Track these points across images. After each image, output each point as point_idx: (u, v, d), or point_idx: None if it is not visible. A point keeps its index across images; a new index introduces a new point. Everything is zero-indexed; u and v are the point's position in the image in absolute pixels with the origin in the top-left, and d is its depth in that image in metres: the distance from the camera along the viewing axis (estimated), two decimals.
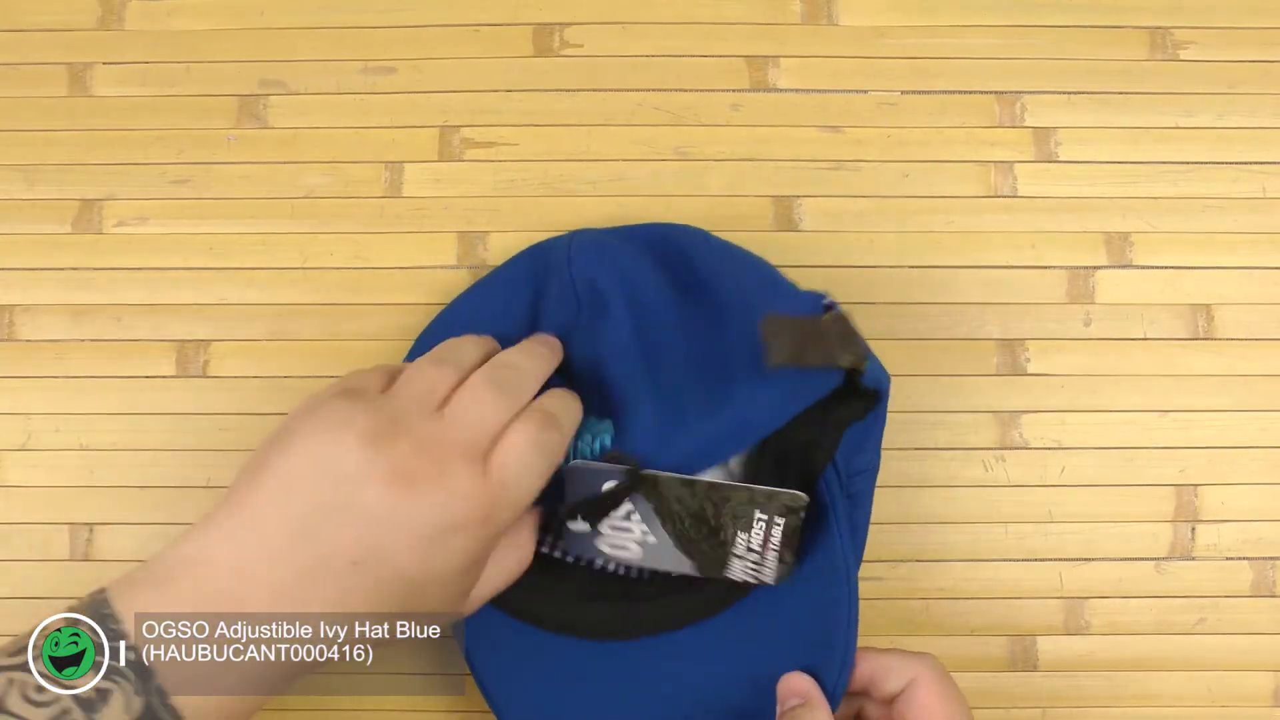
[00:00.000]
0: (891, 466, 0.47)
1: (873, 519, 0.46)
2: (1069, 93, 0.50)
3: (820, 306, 0.40)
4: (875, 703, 0.39)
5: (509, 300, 0.44)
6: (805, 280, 0.48)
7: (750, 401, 0.39)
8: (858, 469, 0.42)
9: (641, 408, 0.40)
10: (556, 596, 0.42)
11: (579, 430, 0.39)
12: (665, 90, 0.50)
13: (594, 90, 0.50)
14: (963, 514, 0.47)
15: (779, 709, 0.38)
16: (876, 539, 0.46)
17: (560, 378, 0.41)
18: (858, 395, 0.40)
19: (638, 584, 0.44)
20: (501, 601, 0.42)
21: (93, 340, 0.48)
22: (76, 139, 0.49)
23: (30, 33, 0.50)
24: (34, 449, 0.47)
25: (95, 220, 0.49)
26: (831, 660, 0.39)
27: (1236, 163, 0.49)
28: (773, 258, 0.48)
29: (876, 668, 0.38)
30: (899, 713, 0.37)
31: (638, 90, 0.50)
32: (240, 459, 0.46)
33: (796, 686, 0.38)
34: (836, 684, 0.38)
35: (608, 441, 0.39)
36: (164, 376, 0.48)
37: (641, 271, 0.43)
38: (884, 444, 0.47)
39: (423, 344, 0.44)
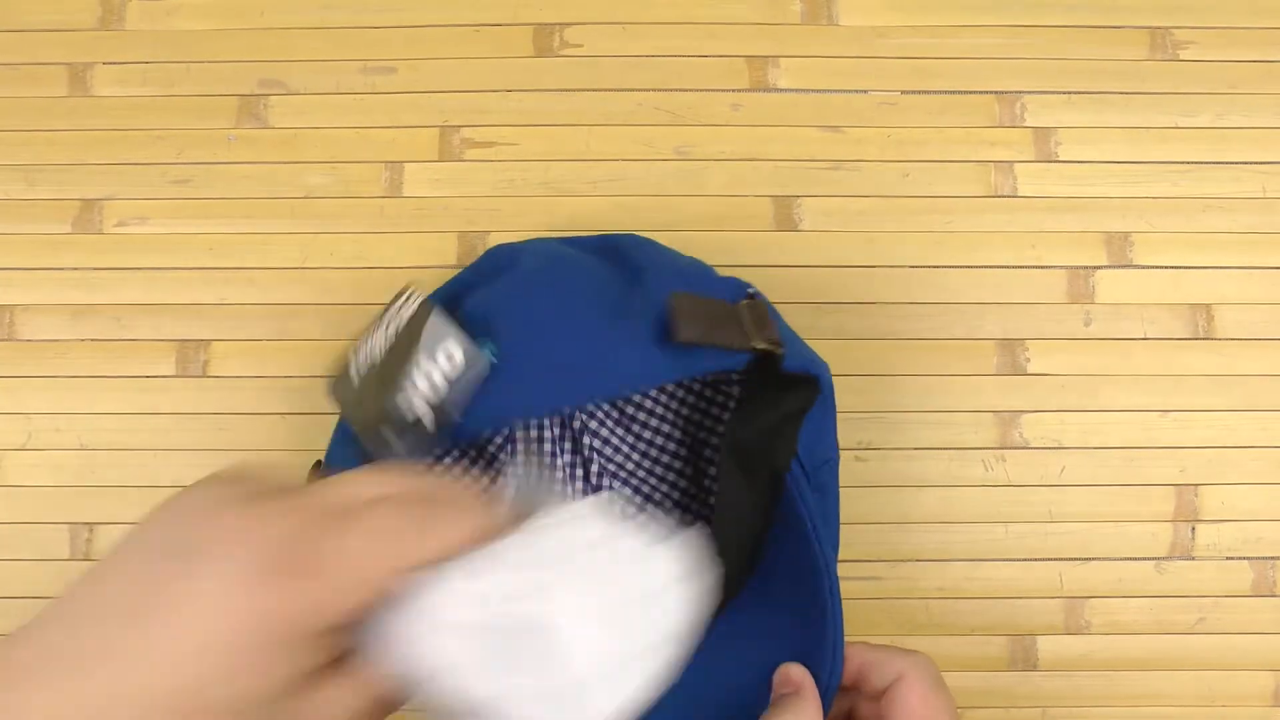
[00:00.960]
0: (891, 466, 0.47)
1: (873, 519, 0.47)
2: (1069, 93, 0.50)
3: (743, 293, 0.40)
4: (865, 699, 0.39)
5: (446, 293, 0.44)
6: (805, 280, 0.48)
7: (630, 353, 0.37)
8: (821, 460, 0.41)
9: (532, 325, 0.38)
10: None
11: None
12: (665, 90, 0.50)
13: (594, 90, 0.50)
14: (963, 514, 0.47)
15: (773, 695, 0.38)
16: (877, 539, 0.46)
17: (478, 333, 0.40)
18: (786, 383, 0.40)
19: None
20: None
21: (93, 340, 0.48)
22: (77, 139, 0.49)
23: (30, 33, 0.50)
24: (34, 449, 0.47)
25: (95, 220, 0.49)
26: (821, 657, 0.39)
27: (1236, 163, 0.49)
28: (773, 257, 0.48)
29: (866, 662, 0.38)
30: (884, 709, 0.37)
31: (638, 90, 0.50)
32: (240, 459, 0.47)
33: (791, 676, 0.38)
34: (830, 680, 0.38)
35: (491, 358, 0.38)
36: (164, 376, 0.48)
37: (560, 248, 0.43)
38: (885, 444, 0.47)
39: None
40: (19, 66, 0.50)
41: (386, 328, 0.40)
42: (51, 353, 0.48)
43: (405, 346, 0.39)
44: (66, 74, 0.50)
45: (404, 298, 0.40)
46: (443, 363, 0.38)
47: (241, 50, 0.50)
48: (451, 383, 0.38)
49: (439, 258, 0.48)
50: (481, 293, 0.41)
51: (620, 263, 0.42)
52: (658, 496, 0.46)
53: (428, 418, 0.38)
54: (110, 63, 0.50)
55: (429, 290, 0.47)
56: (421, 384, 0.38)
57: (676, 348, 0.37)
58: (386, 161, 0.49)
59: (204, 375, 0.48)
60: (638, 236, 0.46)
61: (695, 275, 0.42)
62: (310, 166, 0.49)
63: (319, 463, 0.44)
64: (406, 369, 0.39)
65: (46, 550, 0.47)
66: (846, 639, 0.39)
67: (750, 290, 0.41)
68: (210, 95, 0.50)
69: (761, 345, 0.38)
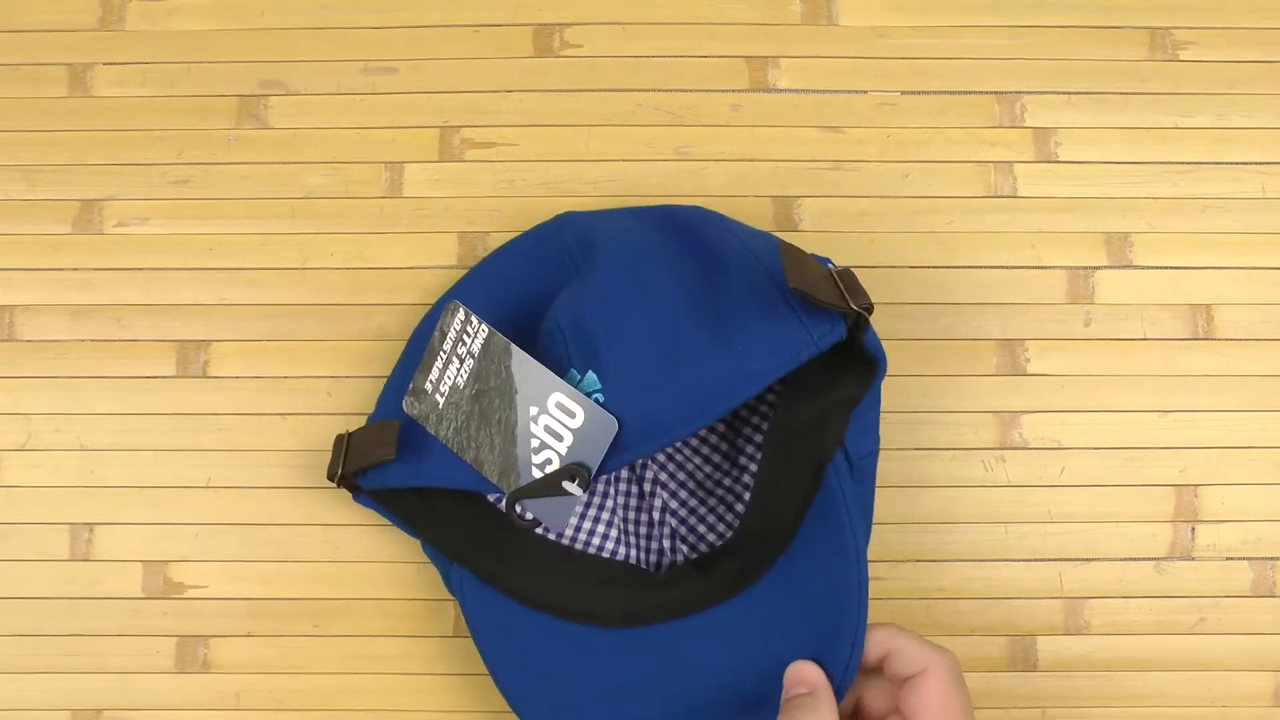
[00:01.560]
0: (891, 466, 0.47)
1: (874, 519, 0.47)
2: (1069, 93, 0.50)
3: (826, 264, 0.41)
4: (883, 684, 0.39)
5: (517, 275, 0.45)
6: None
7: (752, 345, 0.38)
8: (864, 451, 0.42)
9: (630, 356, 0.39)
10: (570, 585, 0.42)
11: (579, 385, 0.39)
12: (665, 90, 0.50)
13: (594, 90, 0.50)
14: (963, 514, 0.47)
15: (784, 695, 0.38)
16: (877, 539, 0.46)
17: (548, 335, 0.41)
18: (858, 359, 0.41)
19: (649, 572, 0.44)
20: (514, 591, 0.42)
21: (93, 340, 0.48)
22: (77, 139, 0.49)
23: (30, 33, 0.50)
24: (34, 449, 0.47)
25: (95, 220, 0.49)
26: (841, 645, 0.39)
27: (1236, 163, 0.49)
28: None
29: (895, 646, 0.38)
30: (903, 698, 0.37)
31: (638, 90, 0.50)
32: (240, 459, 0.47)
33: (804, 674, 0.38)
34: (846, 669, 0.38)
35: (598, 397, 0.39)
36: (164, 376, 0.48)
37: (633, 230, 0.44)
38: (885, 445, 0.47)
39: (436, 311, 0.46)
40: (19, 66, 0.50)
41: (460, 356, 0.41)
42: (51, 353, 0.48)
43: (498, 389, 0.40)
44: (66, 74, 0.50)
45: (461, 321, 0.40)
46: (559, 414, 0.39)
47: (241, 50, 0.50)
48: (579, 435, 0.39)
49: (439, 258, 0.48)
50: (569, 305, 0.41)
51: (697, 249, 0.43)
52: (690, 467, 0.46)
53: (569, 475, 0.39)
54: (110, 63, 0.50)
55: (478, 258, 0.47)
56: (546, 437, 0.40)
57: (782, 323, 0.39)
58: (386, 162, 0.49)
59: (204, 375, 0.48)
60: (705, 212, 0.46)
61: (772, 243, 0.43)
62: (310, 167, 0.49)
63: (341, 435, 0.44)
64: (513, 418, 0.40)
65: (46, 550, 0.47)
66: (875, 620, 0.39)
67: (829, 264, 0.42)
68: (210, 95, 0.50)
69: (857, 308, 0.38)
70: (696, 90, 0.50)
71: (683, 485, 0.46)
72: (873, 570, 0.47)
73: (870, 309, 0.39)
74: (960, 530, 0.47)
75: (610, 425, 0.38)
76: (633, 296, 0.41)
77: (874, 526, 0.46)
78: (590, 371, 0.39)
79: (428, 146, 0.49)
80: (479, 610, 0.42)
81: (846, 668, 0.38)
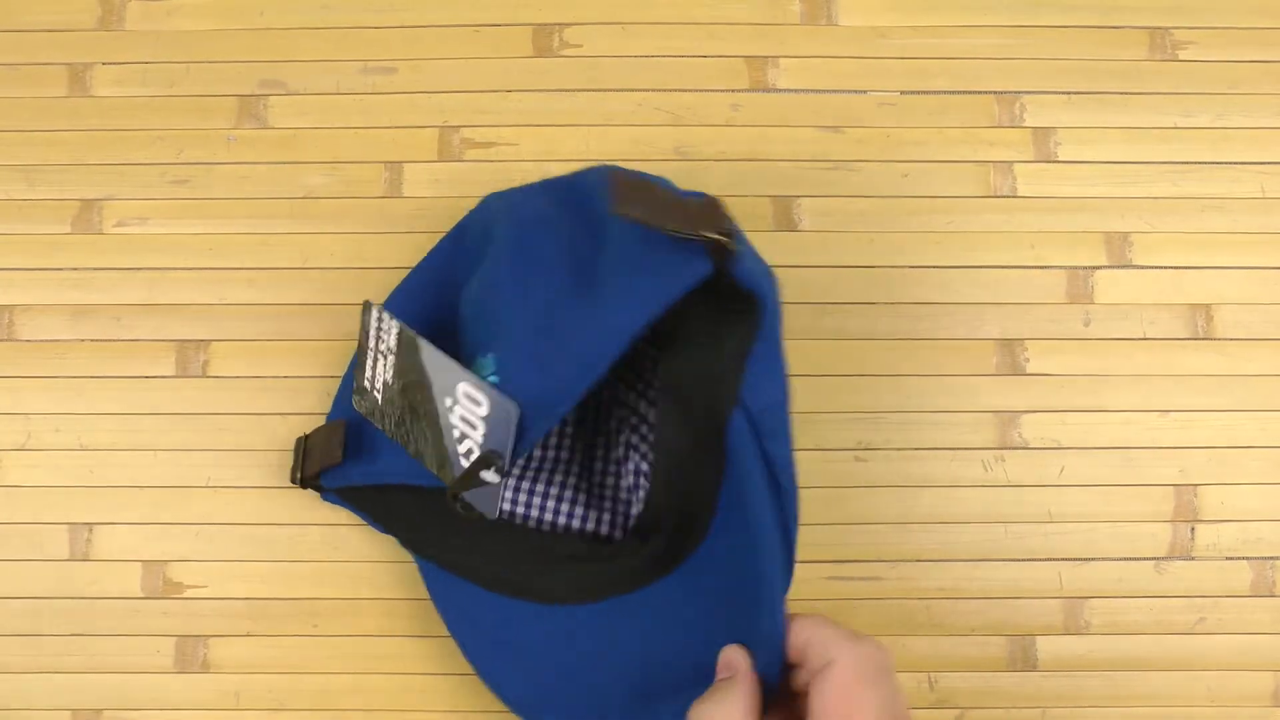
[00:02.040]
0: (892, 466, 0.47)
1: (873, 519, 0.47)
2: (1069, 93, 0.50)
3: (698, 197, 0.37)
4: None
5: (444, 264, 0.45)
6: (805, 280, 0.48)
7: (613, 299, 0.36)
8: (765, 403, 0.38)
9: (517, 337, 0.38)
10: (526, 565, 0.42)
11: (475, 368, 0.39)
12: (665, 90, 0.50)
13: (594, 90, 0.50)
14: (963, 514, 0.47)
15: (716, 679, 0.37)
16: (877, 539, 0.46)
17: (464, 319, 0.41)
18: (732, 295, 0.36)
19: (602, 545, 0.44)
20: (474, 576, 0.42)
21: (93, 340, 0.48)
22: (76, 139, 0.49)
23: (30, 33, 0.50)
24: (34, 449, 0.47)
25: (95, 220, 0.49)
26: (760, 617, 0.36)
27: (1236, 163, 0.49)
28: (772, 258, 0.48)
29: (813, 638, 0.35)
30: (811, 694, 0.34)
31: (638, 90, 0.50)
32: (240, 459, 0.47)
33: (729, 659, 0.36)
34: (770, 643, 0.36)
35: (494, 379, 0.38)
36: (164, 376, 0.48)
37: (531, 205, 0.42)
38: (885, 444, 0.47)
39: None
40: (19, 66, 0.50)
41: (383, 352, 0.41)
42: (51, 353, 0.48)
43: (417, 382, 0.40)
44: (66, 74, 0.50)
45: (376, 319, 0.40)
46: (468, 403, 0.39)
47: (241, 50, 0.50)
48: (488, 422, 0.39)
49: None
50: (470, 288, 0.41)
51: (587, 216, 0.40)
52: (632, 441, 0.46)
53: (485, 464, 0.39)
54: (110, 63, 0.50)
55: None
56: (463, 426, 0.40)
57: (641, 268, 0.36)
58: (386, 161, 0.49)
59: (204, 375, 0.48)
60: (599, 169, 0.43)
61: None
62: (310, 166, 0.49)
63: (300, 438, 0.44)
64: (434, 410, 0.40)
65: (46, 550, 0.47)
66: (805, 613, 0.37)
67: (706, 197, 0.38)
68: (210, 95, 0.50)
69: (708, 234, 0.34)
70: (696, 90, 0.50)
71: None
72: (872, 570, 0.47)
73: (731, 234, 0.34)
74: (960, 530, 0.47)
75: (511, 409, 0.37)
76: (515, 273, 0.39)
77: (874, 526, 0.47)
78: (490, 355, 0.38)
79: (427, 146, 0.49)
80: (446, 598, 0.43)
81: (770, 641, 0.36)
